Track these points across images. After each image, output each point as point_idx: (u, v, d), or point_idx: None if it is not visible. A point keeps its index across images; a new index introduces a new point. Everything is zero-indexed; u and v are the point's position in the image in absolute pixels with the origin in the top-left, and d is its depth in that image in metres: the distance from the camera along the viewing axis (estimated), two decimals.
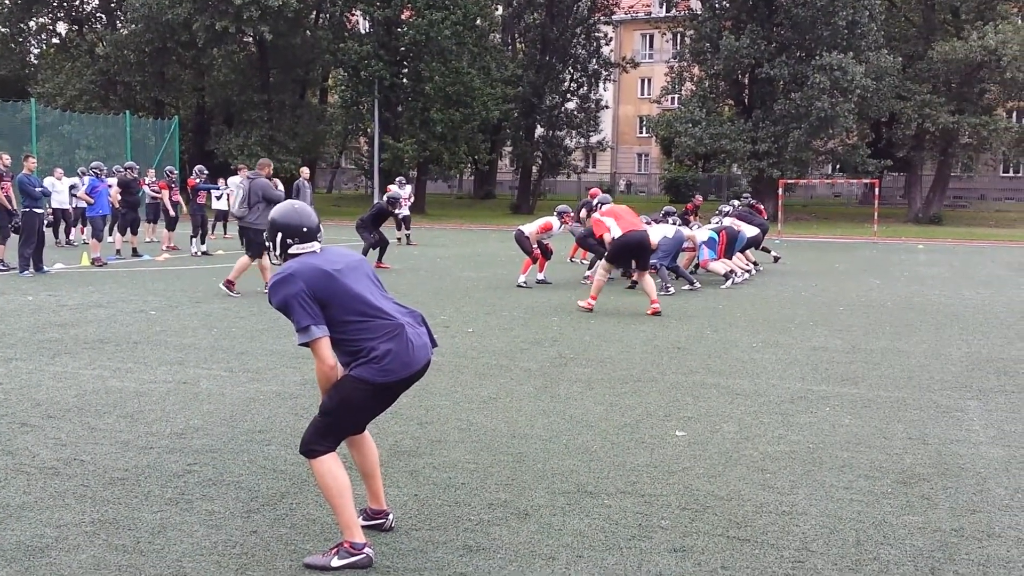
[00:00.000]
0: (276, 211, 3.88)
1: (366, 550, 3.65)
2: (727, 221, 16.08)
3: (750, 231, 16.35)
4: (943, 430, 5.79)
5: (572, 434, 5.57)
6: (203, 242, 19.11)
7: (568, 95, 49.43)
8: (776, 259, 18.89)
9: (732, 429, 5.74)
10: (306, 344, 3.64)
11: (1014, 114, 44.24)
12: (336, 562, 3.61)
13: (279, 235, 3.83)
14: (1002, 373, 7.68)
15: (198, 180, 19.67)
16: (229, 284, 12.50)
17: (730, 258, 15.44)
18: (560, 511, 4.26)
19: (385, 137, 41.69)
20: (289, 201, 3.98)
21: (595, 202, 14.53)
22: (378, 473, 4.02)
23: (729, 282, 14.63)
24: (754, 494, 4.53)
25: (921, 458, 5.18)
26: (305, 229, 3.85)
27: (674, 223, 15.60)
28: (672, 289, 13.29)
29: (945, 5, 41.15)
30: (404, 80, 43.42)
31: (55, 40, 50.90)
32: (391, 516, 4.05)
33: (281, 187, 19.29)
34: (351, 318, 3.69)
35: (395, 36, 42.31)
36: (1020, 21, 38.55)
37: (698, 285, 14.02)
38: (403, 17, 42.51)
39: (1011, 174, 54.38)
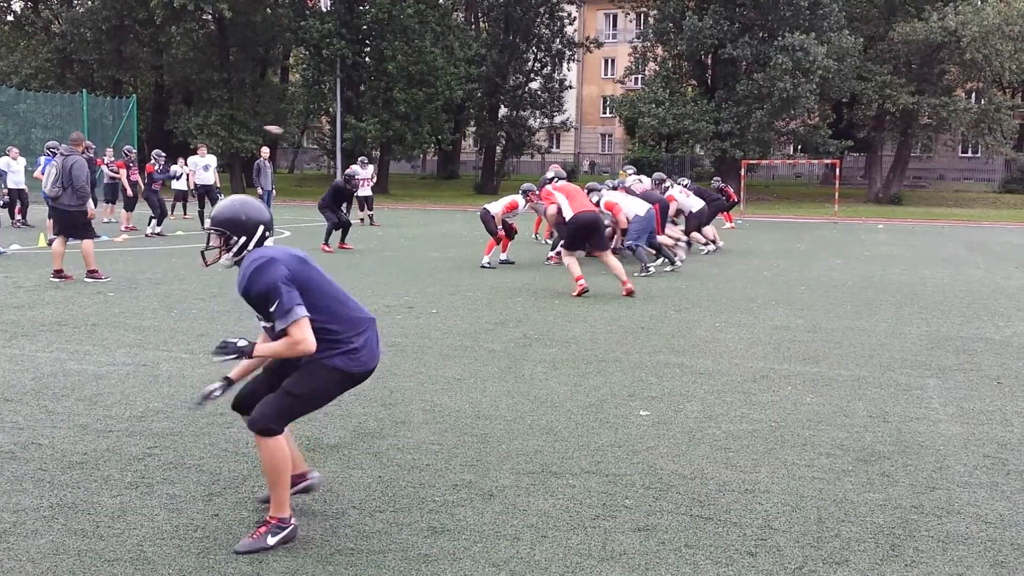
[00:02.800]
0: (247, 208, 3.78)
1: (292, 521, 3.67)
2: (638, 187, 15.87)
3: (695, 205, 16.32)
4: (903, 408, 5.86)
5: (537, 415, 5.57)
6: (160, 223, 18.83)
7: (532, 75, 49.32)
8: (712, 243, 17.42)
9: (695, 408, 5.77)
10: (288, 326, 3.57)
11: (973, 95, 44.70)
12: (271, 540, 3.60)
13: (260, 230, 3.74)
14: (961, 351, 7.78)
15: (156, 167, 19.34)
16: (93, 274, 11.53)
17: (662, 232, 15.50)
18: (525, 491, 4.25)
19: (348, 117, 41.37)
20: (240, 197, 3.89)
21: (549, 175, 14.53)
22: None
23: (659, 261, 14.84)
24: (717, 473, 4.56)
25: (881, 436, 5.24)
26: (269, 219, 3.81)
27: (665, 191, 15.55)
28: (652, 269, 13.26)
29: None
30: (366, 59, 43.09)
31: (9, 18, 49.83)
32: (315, 473, 4.06)
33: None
34: (323, 305, 3.68)
35: (357, 14, 41.89)
36: (980, 2, 38.87)
37: (679, 263, 14.00)
38: None
39: (970, 154, 55.02)
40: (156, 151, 20.65)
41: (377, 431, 5.17)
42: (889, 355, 7.59)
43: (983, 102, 42.04)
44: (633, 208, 13.52)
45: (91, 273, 11.53)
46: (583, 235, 11.22)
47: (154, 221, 18.67)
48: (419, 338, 7.97)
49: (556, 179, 13.47)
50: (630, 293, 10.95)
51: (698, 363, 7.13)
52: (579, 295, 10.92)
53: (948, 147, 49.94)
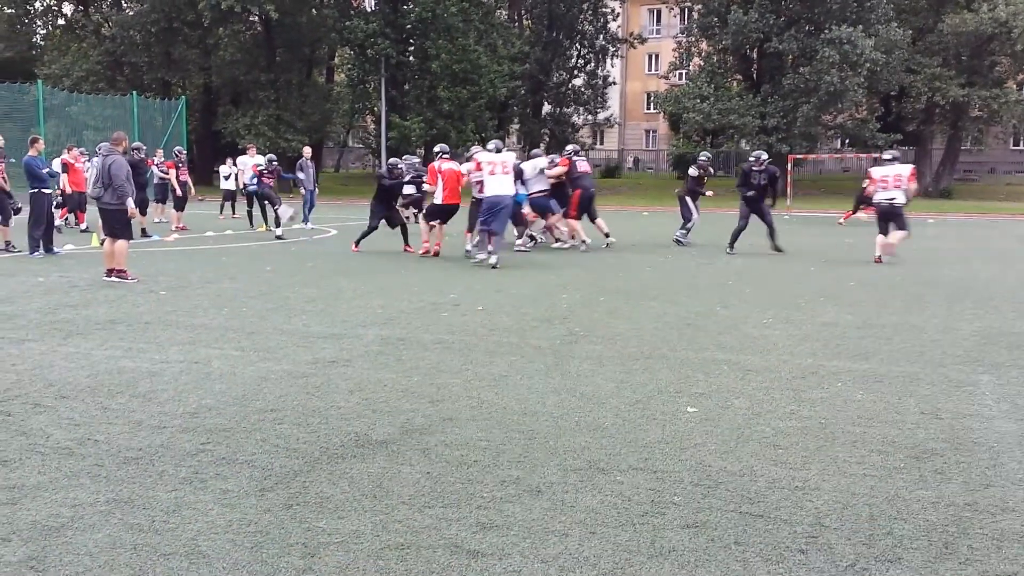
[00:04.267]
0: None
1: None
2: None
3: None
4: (956, 404, 5.78)
5: (583, 411, 5.57)
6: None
7: (575, 72, 49.31)
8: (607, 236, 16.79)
9: (744, 405, 5.74)
10: None
11: None
12: None
13: None
14: (1014, 347, 7.65)
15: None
16: (121, 273, 11.46)
17: (579, 218, 15.75)
18: (573, 488, 4.26)
19: (392, 116, 41.62)
20: None
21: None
22: None
23: (558, 244, 15.30)
24: (766, 470, 4.53)
25: (934, 433, 5.17)
26: None
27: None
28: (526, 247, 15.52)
29: None
30: (410, 58, 43.34)
31: (61, 21, 50.84)
32: None
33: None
34: None
35: (401, 14, 42.16)
36: None
37: (534, 243, 15.99)
38: None
39: (1022, 147, 53.99)
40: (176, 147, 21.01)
41: (425, 427, 5.21)
42: (941, 351, 7.48)
43: None
44: (500, 188, 13.76)
45: (119, 272, 11.47)
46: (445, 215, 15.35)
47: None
48: (465, 335, 8.00)
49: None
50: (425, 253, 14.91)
51: (745, 360, 7.09)
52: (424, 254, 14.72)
53: (999, 140, 49.13)
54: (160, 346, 7.47)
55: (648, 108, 66.04)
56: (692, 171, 18.14)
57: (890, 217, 14.50)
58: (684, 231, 17.86)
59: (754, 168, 15.77)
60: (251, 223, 20.82)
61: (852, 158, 50.50)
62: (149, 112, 35.60)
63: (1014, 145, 54.27)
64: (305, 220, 20.86)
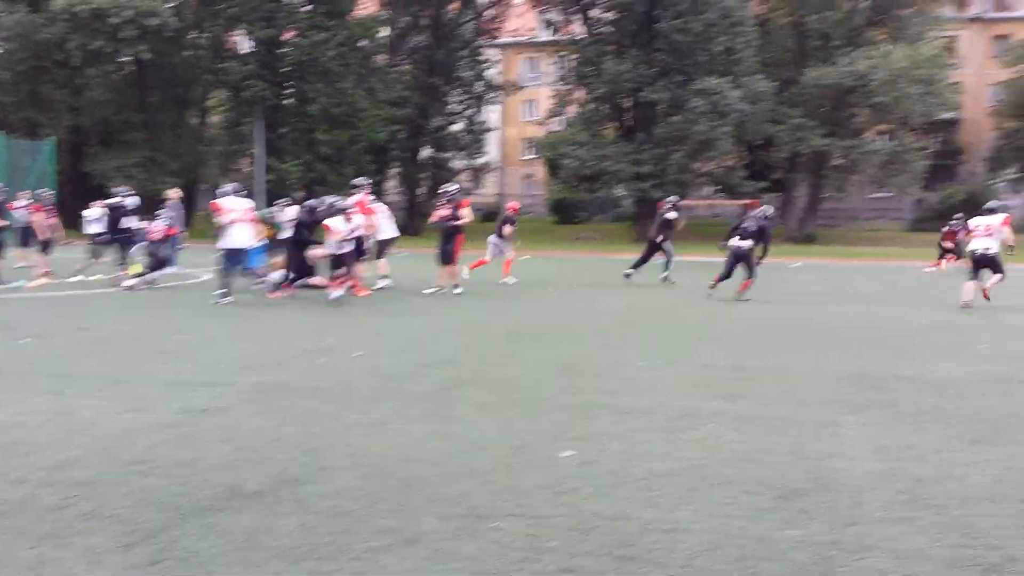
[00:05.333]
0: None
1: None
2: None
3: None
4: (821, 445, 5.98)
5: (464, 457, 5.55)
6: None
7: (454, 117, 49.65)
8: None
9: (620, 448, 5.82)
10: None
11: (883, 137, 46.22)
12: None
13: None
14: (877, 388, 7.98)
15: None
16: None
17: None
18: (451, 535, 4.23)
19: (270, 158, 41.07)
20: None
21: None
22: None
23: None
24: (640, 512, 4.59)
25: (801, 473, 5.34)
26: None
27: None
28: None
29: (816, 32, 42.87)
30: (288, 101, 42.90)
31: None
32: None
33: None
34: None
35: (278, 57, 41.79)
36: (888, 47, 40.33)
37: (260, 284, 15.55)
38: (286, 38, 42.04)
39: (880, 195, 56.81)
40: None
41: (299, 477, 5.10)
42: (808, 392, 7.75)
43: (892, 144, 43.48)
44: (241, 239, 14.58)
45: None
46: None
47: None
48: (341, 382, 7.90)
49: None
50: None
51: (623, 402, 7.19)
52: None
53: (859, 187, 51.54)
54: (22, 396, 7.12)
55: (527, 154, 66.96)
56: (671, 215, 20.01)
57: (984, 264, 15.07)
58: (669, 270, 19.83)
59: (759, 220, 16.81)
60: (120, 267, 20.12)
61: (722, 205, 52.18)
62: (15, 153, 34.21)
63: (874, 193, 57.06)
64: (166, 265, 20.23)
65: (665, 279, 19.64)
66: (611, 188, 45.75)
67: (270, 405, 6.90)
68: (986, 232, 15.04)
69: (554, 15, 46.20)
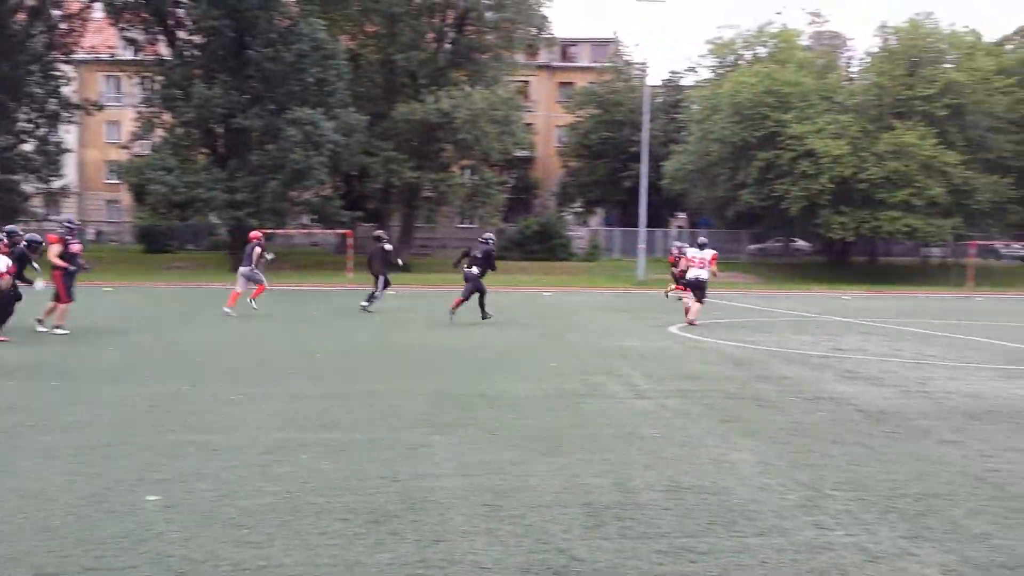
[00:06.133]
0: None
1: None
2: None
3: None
4: (411, 466, 6.18)
5: (28, 512, 5.04)
6: None
7: (24, 136, 45.36)
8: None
9: (209, 487, 5.60)
10: None
11: (467, 171, 49.03)
12: None
13: None
14: (461, 407, 8.41)
15: None
16: None
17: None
18: None
19: None
20: None
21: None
22: None
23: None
24: (231, 553, 4.45)
25: (391, 496, 5.47)
26: None
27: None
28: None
29: (403, 70, 44.60)
30: None
31: None
32: None
33: None
34: None
35: None
36: (468, 88, 42.88)
37: None
38: None
39: (467, 225, 60.17)
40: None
41: None
42: (399, 416, 7.98)
43: (476, 178, 46.32)
44: None
45: None
46: None
47: None
48: None
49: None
50: None
51: (213, 439, 6.94)
52: None
53: (449, 218, 54.31)
54: None
55: (110, 178, 62.89)
56: (388, 246, 20.57)
57: (697, 288, 18.15)
58: (373, 299, 20.05)
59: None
60: None
61: (320, 234, 52.43)
62: None
63: (461, 223, 60.34)
64: None
65: (365, 308, 20.07)
66: (204, 215, 44.24)
67: None
68: (700, 264, 18.24)
69: (136, 34, 43.81)
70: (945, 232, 44.47)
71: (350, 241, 37.45)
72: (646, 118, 42.75)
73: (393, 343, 14.04)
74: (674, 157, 48.72)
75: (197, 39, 42.18)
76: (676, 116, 55.78)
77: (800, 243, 55.98)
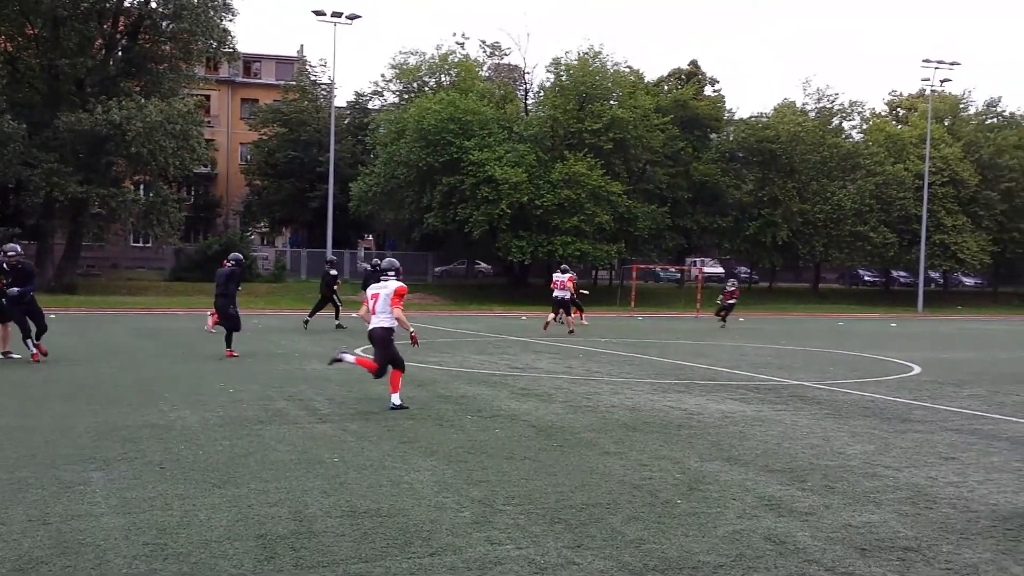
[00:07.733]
0: None
1: None
2: None
3: None
4: (65, 507, 5.68)
5: None
6: None
7: None
8: None
9: None
10: None
11: (141, 187, 46.33)
12: None
13: None
14: (128, 440, 7.86)
15: None
16: None
17: None
18: None
19: None
20: None
21: None
22: None
23: None
24: None
25: (40, 540, 4.99)
26: None
27: None
28: None
29: (70, 76, 41.52)
30: None
31: None
32: None
33: None
34: None
35: None
36: (143, 99, 40.58)
37: None
38: None
39: (141, 244, 56.85)
40: None
41: None
42: (54, 452, 7.32)
43: (151, 195, 43.84)
44: None
45: None
46: None
47: None
48: None
49: None
50: None
51: None
52: None
53: (120, 236, 51.01)
54: None
55: None
56: (334, 271, 24.24)
57: (561, 306, 23.98)
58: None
59: None
60: None
61: None
62: None
63: (135, 242, 56.86)
64: None
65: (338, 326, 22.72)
66: None
67: None
68: (561, 287, 23.74)
69: None
70: (612, 256, 47.98)
71: None
72: (332, 139, 42.41)
73: (54, 374, 12.92)
74: (361, 179, 48.76)
75: None
76: (363, 138, 55.93)
77: (483, 265, 57.97)
